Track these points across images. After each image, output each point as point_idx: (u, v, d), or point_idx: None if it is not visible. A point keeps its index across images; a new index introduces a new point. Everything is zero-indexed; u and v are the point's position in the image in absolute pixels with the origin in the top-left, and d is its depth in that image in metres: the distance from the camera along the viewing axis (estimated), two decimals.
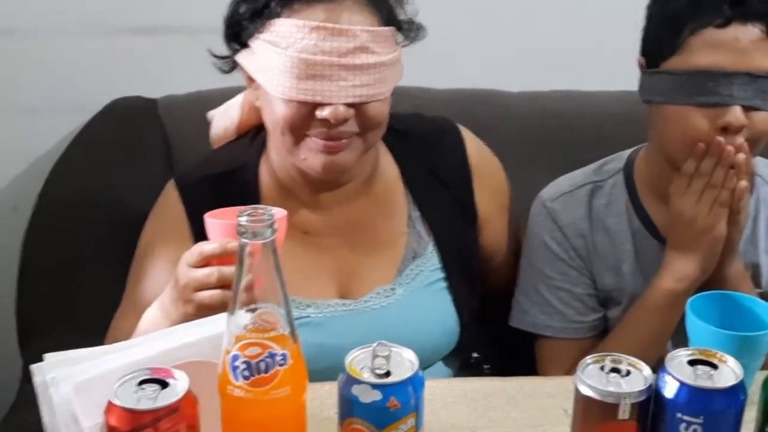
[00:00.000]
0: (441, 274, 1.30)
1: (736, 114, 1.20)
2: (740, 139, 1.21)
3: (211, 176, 1.29)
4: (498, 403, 1.05)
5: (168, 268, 1.16)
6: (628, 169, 1.40)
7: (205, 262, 1.04)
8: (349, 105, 1.15)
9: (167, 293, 1.08)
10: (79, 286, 1.55)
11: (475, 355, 1.38)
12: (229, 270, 1.01)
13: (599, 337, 1.39)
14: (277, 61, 1.15)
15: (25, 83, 1.74)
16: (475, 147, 1.38)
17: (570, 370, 1.36)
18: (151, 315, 1.11)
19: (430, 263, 1.30)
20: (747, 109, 1.21)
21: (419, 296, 1.28)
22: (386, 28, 1.18)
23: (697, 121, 1.22)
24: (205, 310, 1.03)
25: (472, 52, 1.81)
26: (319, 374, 0.93)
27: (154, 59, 1.73)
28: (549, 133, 1.77)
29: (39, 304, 1.57)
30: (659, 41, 1.27)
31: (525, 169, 1.69)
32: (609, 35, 1.83)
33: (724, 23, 1.19)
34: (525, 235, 1.44)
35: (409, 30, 1.25)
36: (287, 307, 0.83)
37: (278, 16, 1.15)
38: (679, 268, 1.26)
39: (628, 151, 1.43)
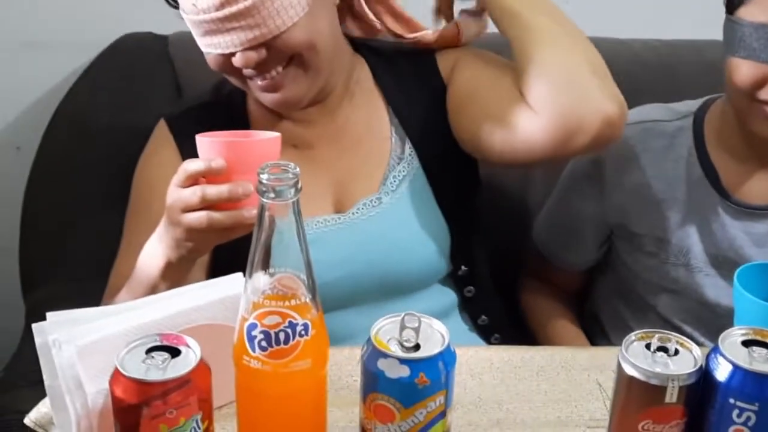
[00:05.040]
0: (425, 179, 1.26)
1: None
2: None
3: (197, 106, 1.31)
4: (527, 374, 0.99)
5: (162, 203, 1.12)
6: (699, 115, 1.33)
7: (192, 181, 1.00)
8: (255, 47, 1.12)
9: (162, 218, 1.05)
10: (83, 229, 1.51)
11: (483, 317, 1.32)
12: (213, 190, 0.98)
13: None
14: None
15: (28, 17, 1.67)
16: (448, 61, 1.30)
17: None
18: (148, 245, 1.08)
19: (412, 167, 1.26)
20: None
21: (406, 204, 1.25)
22: None
23: (753, 74, 1.17)
24: (195, 234, 1.01)
25: None
26: None
27: None
28: None
29: (42, 247, 1.54)
30: None
31: None
32: None
33: None
34: None
35: None
36: (310, 272, 0.77)
37: None
38: None
39: (704, 98, 1.36)
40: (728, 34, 1.21)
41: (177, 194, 1.00)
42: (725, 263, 1.30)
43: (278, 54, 1.14)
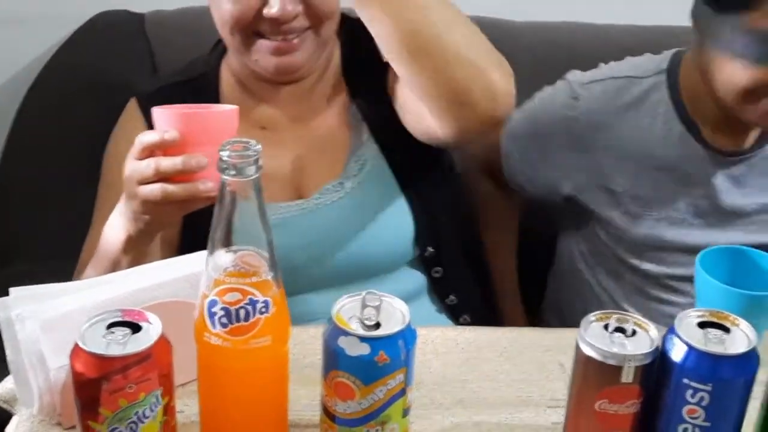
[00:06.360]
0: (385, 163, 1.26)
1: None
2: None
3: (168, 85, 1.30)
4: (492, 355, 1.00)
5: None
6: (672, 70, 1.32)
7: (148, 153, 1.00)
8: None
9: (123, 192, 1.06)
10: (57, 206, 1.50)
11: (452, 297, 1.32)
12: (167, 162, 0.97)
13: None
14: None
15: None
16: None
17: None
18: (111, 219, 1.08)
19: (372, 152, 1.26)
20: None
21: (368, 189, 1.25)
22: None
23: (752, 76, 1.17)
24: (151, 207, 1.00)
25: None
26: None
27: None
28: (555, 66, 1.67)
29: (15, 225, 1.53)
30: None
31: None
32: None
33: None
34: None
35: None
36: (271, 250, 0.77)
37: None
38: None
39: (670, 52, 1.35)
40: (726, 36, 1.18)
41: (133, 166, 1.00)
42: (709, 212, 1.30)
43: (308, 15, 1.15)
